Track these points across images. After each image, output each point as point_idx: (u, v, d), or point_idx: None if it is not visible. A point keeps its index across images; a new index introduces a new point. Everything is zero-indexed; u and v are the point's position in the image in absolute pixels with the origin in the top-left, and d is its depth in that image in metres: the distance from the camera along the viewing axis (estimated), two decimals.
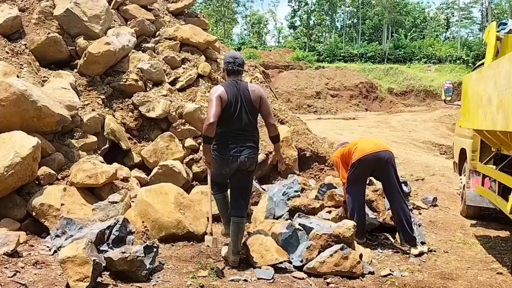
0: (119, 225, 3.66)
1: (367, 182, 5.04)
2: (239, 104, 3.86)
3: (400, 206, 4.60)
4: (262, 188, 5.84)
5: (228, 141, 3.82)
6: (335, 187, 5.75)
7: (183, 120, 6.01)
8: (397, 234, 4.90)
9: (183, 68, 6.87)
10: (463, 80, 5.69)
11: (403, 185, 5.92)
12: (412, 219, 4.76)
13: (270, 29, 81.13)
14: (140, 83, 6.10)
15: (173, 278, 3.51)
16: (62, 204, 4.29)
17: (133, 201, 4.60)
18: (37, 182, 4.52)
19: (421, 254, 4.50)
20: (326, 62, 42.75)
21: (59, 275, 3.31)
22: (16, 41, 5.81)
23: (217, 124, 3.74)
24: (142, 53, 6.67)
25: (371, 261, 4.22)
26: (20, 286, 3.12)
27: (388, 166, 4.63)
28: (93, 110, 5.55)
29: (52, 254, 3.73)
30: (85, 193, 4.61)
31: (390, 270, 4.02)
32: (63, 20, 6.07)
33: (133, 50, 6.50)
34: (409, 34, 51.29)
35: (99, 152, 5.39)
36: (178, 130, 5.95)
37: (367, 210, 4.88)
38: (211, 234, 4.25)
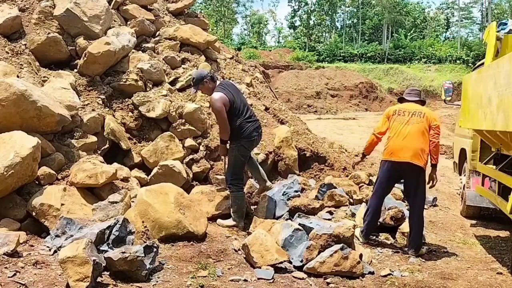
0: (119, 225, 3.66)
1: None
2: (239, 98, 4.88)
3: (419, 212, 4.56)
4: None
5: (248, 126, 4.82)
6: (335, 187, 5.76)
7: (183, 120, 6.01)
8: (397, 234, 4.92)
9: (183, 68, 6.87)
10: (463, 80, 5.69)
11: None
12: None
13: (270, 29, 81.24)
14: (140, 83, 6.10)
15: (173, 278, 3.51)
16: (62, 204, 4.28)
17: (133, 201, 4.60)
18: (37, 182, 4.51)
19: (421, 255, 4.50)
20: (326, 62, 42.82)
21: (59, 275, 3.31)
22: (16, 41, 5.81)
23: (232, 119, 4.75)
24: (142, 53, 6.67)
25: (371, 261, 4.22)
26: (20, 286, 3.12)
27: (414, 177, 4.53)
28: (93, 110, 5.54)
29: (52, 254, 3.72)
30: (85, 193, 4.61)
31: (390, 270, 4.02)
32: (63, 20, 6.06)
33: (133, 50, 6.50)
34: (409, 34, 51.33)
35: (99, 152, 5.38)
36: (178, 130, 5.95)
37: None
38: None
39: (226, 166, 5.05)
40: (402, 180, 4.90)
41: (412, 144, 4.47)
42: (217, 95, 4.70)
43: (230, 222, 4.90)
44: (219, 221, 4.95)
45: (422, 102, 4.72)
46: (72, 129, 5.21)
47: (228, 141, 4.93)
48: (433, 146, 4.46)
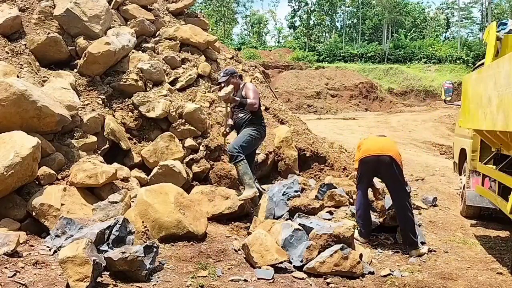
0: (119, 225, 3.66)
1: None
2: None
3: (402, 210, 4.57)
4: (262, 188, 5.84)
5: (264, 123, 5.58)
6: (335, 187, 5.75)
7: (183, 120, 6.01)
8: (397, 234, 4.92)
9: (183, 68, 6.87)
10: (463, 80, 5.69)
11: None
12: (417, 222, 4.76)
13: (270, 29, 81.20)
14: (140, 83, 6.10)
15: (173, 278, 3.51)
16: (62, 204, 4.28)
17: (133, 201, 4.60)
18: (37, 182, 4.52)
19: (421, 255, 4.49)
20: (326, 62, 42.81)
21: (59, 275, 3.31)
22: (16, 41, 5.81)
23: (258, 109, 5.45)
24: (142, 53, 6.67)
25: (371, 261, 4.22)
26: (20, 286, 3.12)
27: (390, 170, 4.58)
28: (93, 110, 5.54)
29: (52, 254, 3.72)
30: (85, 193, 4.61)
31: (390, 270, 4.02)
32: (63, 20, 6.06)
33: (133, 50, 6.50)
34: (409, 34, 51.35)
35: (99, 152, 5.38)
36: (178, 130, 5.94)
37: None
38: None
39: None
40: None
41: (387, 144, 4.75)
42: (252, 85, 5.54)
43: (248, 192, 5.02)
44: (239, 198, 5.13)
45: None
46: (72, 129, 5.21)
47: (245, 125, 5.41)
48: None
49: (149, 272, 3.47)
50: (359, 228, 4.75)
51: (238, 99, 5.26)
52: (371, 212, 4.96)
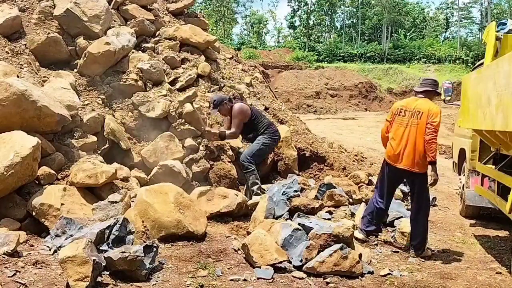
0: (119, 225, 3.66)
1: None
2: (254, 107, 6.04)
3: (418, 216, 4.54)
4: (262, 189, 5.84)
5: (275, 126, 5.87)
6: (335, 187, 5.76)
7: (183, 120, 6.01)
8: (396, 233, 4.92)
9: (183, 68, 6.87)
10: (462, 80, 5.70)
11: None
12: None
13: (269, 29, 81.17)
14: (140, 83, 6.10)
15: (173, 277, 3.51)
16: (62, 204, 4.29)
17: (133, 201, 4.61)
18: (37, 182, 4.52)
19: (425, 256, 4.48)
20: (325, 62, 42.87)
21: (59, 274, 3.32)
22: (16, 41, 5.81)
23: (259, 121, 5.70)
24: (142, 53, 6.67)
25: (371, 260, 4.23)
26: (20, 286, 3.13)
27: (410, 181, 4.62)
28: (93, 110, 5.55)
29: (52, 254, 3.72)
30: (85, 193, 4.61)
31: (389, 269, 4.03)
32: (63, 20, 6.07)
33: (133, 50, 6.50)
34: (408, 34, 51.42)
35: (99, 152, 5.39)
36: (178, 130, 5.95)
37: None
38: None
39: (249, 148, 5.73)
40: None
41: (408, 150, 4.42)
42: (238, 105, 5.64)
43: (256, 199, 5.26)
44: (249, 202, 5.28)
45: (431, 93, 4.59)
46: (72, 129, 5.21)
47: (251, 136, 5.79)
48: (425, 143, 4.32)
49: (149, 272, 3.47)
50: (360, 226, 4.74)
51: (218, 132, 5.75)
52: None
